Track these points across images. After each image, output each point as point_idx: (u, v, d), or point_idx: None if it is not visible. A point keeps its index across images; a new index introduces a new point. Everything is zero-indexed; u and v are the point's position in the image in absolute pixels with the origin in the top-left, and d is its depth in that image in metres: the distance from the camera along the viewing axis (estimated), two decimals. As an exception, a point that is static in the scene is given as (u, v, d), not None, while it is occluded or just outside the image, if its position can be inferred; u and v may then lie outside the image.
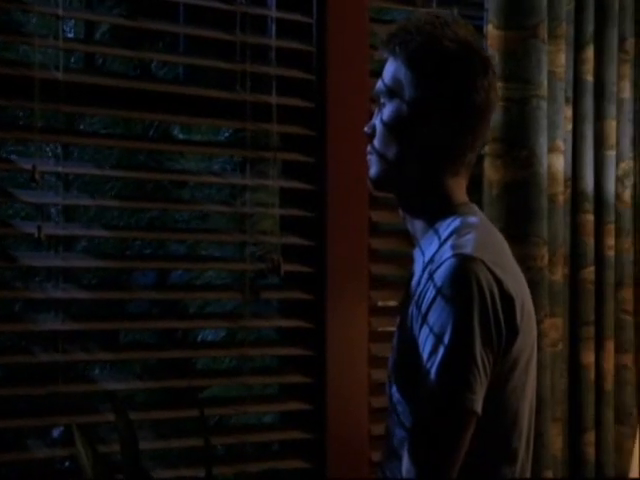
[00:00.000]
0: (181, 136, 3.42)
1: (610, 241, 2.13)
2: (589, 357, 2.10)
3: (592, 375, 2.10)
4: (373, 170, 1.51)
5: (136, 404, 1.98)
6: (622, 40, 2.18)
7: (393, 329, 2.06)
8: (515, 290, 1.39)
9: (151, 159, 3.09)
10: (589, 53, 2.12)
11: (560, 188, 2.07)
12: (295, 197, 1.94)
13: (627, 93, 2.19)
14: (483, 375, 1.33)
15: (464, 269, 1.35)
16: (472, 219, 1.45)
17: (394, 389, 1.46)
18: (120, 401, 1.44)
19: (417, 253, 1.51)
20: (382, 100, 1.50)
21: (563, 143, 2.08)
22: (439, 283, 1.35)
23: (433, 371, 1.33)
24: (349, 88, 1.97)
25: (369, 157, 1.52)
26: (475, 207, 1.51)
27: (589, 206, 2.11)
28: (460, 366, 1.33)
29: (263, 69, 1.90)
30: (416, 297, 1.41)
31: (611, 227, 2.13)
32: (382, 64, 1.95)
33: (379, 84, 1.52)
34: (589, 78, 2.12)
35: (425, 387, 1.34)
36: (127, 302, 2.96)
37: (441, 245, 1.42)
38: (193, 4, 1.87)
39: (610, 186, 2.14)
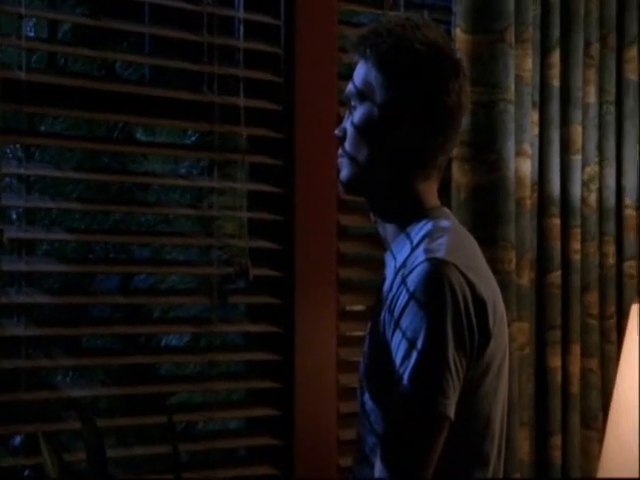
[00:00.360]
0: (144, 138, 3.37)
1: (576, 245, 2.14)
2: (556, 361, 2.10)
3: (559, 379, 2.11)
4: (344, 173, 1.50)
5: (99, 411, 1.94)
6: (587, 45, 2.19)
7: (361, 333, 2.06)
8: (487, 294, 1.38)
9: (115, 161, 3.05)
10: (555, 58, 2.13)
11: (527, 192, 2.07)
12: (263, 200, 1.92)
13: (592, 98, 2.20)
14: (456, 380, 1.33)
15: (437, 273, 1.34)
16: (444, 223, 1.44)
17: (366, 396, 1.44)
18: (86, 408, 1.41)
19: (388, 257, 1.50)
20: (353, 103, 1.49)
21: (530, 147, 2.08)
22: (412, 287, 1.34)
23: (406, 376, 1.31)
24: (318, 90, 1.95)
25: (340, 160, 1.51)
26: (447, 211, 1.50)
27: (555, 210, 2.11)
28: (433, 371, 1.32)
29: (231, 71, 1.87)
30: (388, 302, 1.40)
31: (577, 231, 2.14)
32: (351, 67, 1.94)
33: (350, 87, 1.51)
34: (555, 83, 2.13)
35: (398, 392, 1.32)
36: (90, 307, 2.91)
37: (413, 249, 1.41)
38: (158, 4, 1.84)
39: (576, 190, 2.15)
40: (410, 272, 1.36)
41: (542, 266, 2.11)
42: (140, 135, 3.35)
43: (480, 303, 1.36)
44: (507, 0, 2.03)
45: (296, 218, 1.90)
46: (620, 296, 2.23)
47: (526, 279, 2.06)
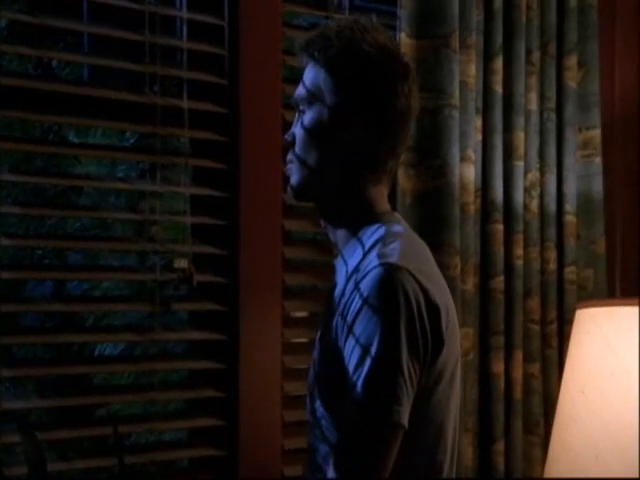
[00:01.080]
0: (76, 140, 3.28)
1: (519, 251, 2.14)
2: (499, 367, 2.11)
3: (502, 385, 2.11)
4: (294, 178, 1.47)
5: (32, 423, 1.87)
6: (528, 52, 2.20)
7: (305, 340, 2.04)
8: (440, 300, 1.37)
9: (49, 164, 2.95)
10: (498, 64, 2.13)
11: (471, 198, 2.07)
12: (207, 205, 1.87)
13: (534, 105, 2.21)
14: (410, 387, 1.31)
15: (390, 278, 1.32)
16: (397, 228, 1.43)
17: (317, 403, 1.41)
18: (25, 421, 1.34)
19: (339, 263, 1.47)
20: (302, 107, 1.47)
21: (474, 153, 2.08)
22: (365, 293, 1.32)
23: (360, 383, 1.29)
24: (262, 93, 1.92)
25: (289, 166, 1.48)
26: (398, 215, 1.49)
27: (499, 216, 2.12)
28: (387, 378, 1.30)
29: (174, 72, 1.83)
30: (341, 308, 1.37)
31: (520, 237, 2.15)
32: (295, 70, 1.92)
33: (298, 91, 1.48)
34: (498, 89, 2.14)
35: (351, 400, 1.30)
36: (21, 315, 2.82)
37: (365, 254, 1.39)
38: (97, 2, 1.79)
39: (518, 196, 2.16)
40: (363, 277, 1.34)
41: (485, 271, 2.11)
42: (72, 137, 3.26)
43: (433, 309, 1.34)
44: (451, 5, 2.03)
45: (241, 223, 1.86)
46: (561, 301, 2.24)
47: (470, 284, 2.06)
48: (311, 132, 1.44)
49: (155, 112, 1.78)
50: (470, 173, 2.07)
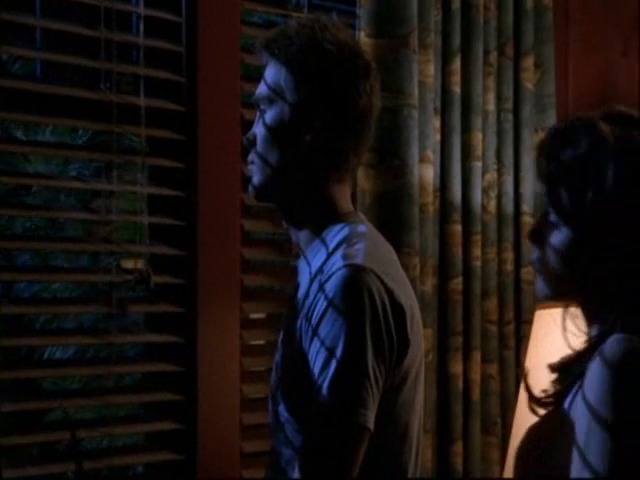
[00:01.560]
0: (24, 138, 3.21)
1: (477, 251, 2.14)
2: (457, 367, 2.10)
3: (460, 385, 2.11)
4: (256, 179, 1.44)
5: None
6: (486, 53, 2.20)
7: (262, 342, 2.01)
8: (405, 301, 1.35)
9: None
10: (456, 64, 2.13)
11: (430, 198, 2.06)
12: (164, 204, 1.83)
13: (491, 105, 2.21)
14: (375, 389, 1.29)
15: (356, 279, 1.30)
16: (361, 228, 1.41)
17: (281, 407, 1.39)
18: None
19: (302, 264, 1.45)
20: (262, 106, 1.45)
21: (432, 154, 2.08)
22: (330, 294, 1.30)
23: (325, 386, 1.27)
24: (220, 91, 1.88)
25: (251, 166, 1.45)
26: (362, 215, 1.47)
27: (457, 217, 2.11)
28: (353, 381, 1.28)
29: (130, 69, 1.79)
30: (305, 310, 1.35)
31: (478, 238, 2.15)
32: (253, 68, 1.89)
33: (259, 90, 1.46)
34: (456, 89, 2.13)
35: (317, 403, 1.28)
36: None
37: (329, 255, 1.37)
38: (51, -4, 1.75)
39: (476, 197, 2.16)
40: (328, 278, 1.32)
41: (444, 272, 2.11)
42: (20, 135, 3.18)
43: (399, 310, 1.33)
44: (410, 5, 2.02)
45: (199, 223, 1.83)
46: (518, 302, 2.25)
47: (429, 285, 2.05)
48: (272, 131, 1.42)
49: (111, 110, 1.74)
50: (429, 173, 2.06)
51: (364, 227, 1.42)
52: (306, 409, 1.30)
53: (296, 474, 1.29)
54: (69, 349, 2.97)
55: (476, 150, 2.16)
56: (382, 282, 1.31)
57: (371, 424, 1.28)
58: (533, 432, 1.24)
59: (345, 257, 1.33)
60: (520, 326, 2.22)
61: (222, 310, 1.85)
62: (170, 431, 1.81)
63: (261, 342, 1.99)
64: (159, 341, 1.81)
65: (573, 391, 1.15)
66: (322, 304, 1.30)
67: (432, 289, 2.06)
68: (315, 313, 1.31)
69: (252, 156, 1.45)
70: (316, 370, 1.29)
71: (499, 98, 2.24)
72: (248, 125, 1.89)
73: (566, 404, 1.15)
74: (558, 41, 2.41)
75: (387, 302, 1.31)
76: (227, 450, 1.85)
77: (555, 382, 1.23)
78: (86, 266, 2.44)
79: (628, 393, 1.05)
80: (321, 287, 1.32)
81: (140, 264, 1.76)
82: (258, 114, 1.46)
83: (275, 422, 1.41)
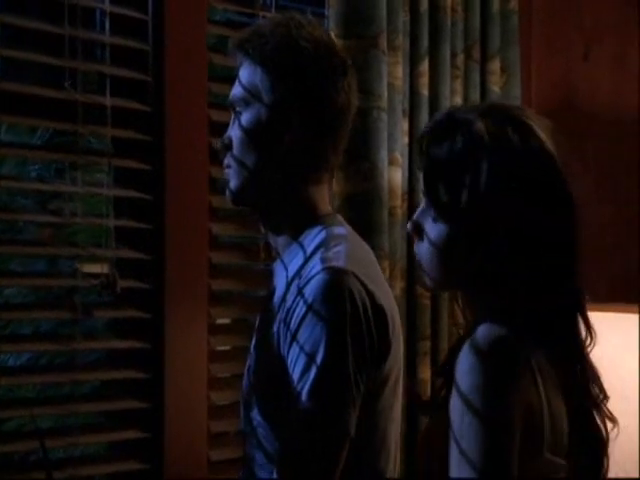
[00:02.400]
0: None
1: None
2: (426, 372, 2.08)
3: (428, 390, 2.09)
4: (233, 182, 1.41)
5: None
6: (454, 55, 2.19)
7: (227, 347, 1.97)
8: (386, 304, 1.33)
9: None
10: (424, 66, 2.11)
11: (398, 202, 2.04)
12: (129, 207, 1.78)
13: (459, 109, 2.20)
14: (356, 394, 1.26)
15: (336, 282, 1.27)
16: (339, 230, 1.38)
17: (255, 412, 1.35)
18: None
19: (278, 267, 1.42)
20: (238, 108, 1.41)
21: (401, 156, 2.06)
22: (310, 299, 1.27)
23: (305, 392, 1.24)
24: (188, 91, 1.84)
25: (227, 170, 1.42)
26: (340, 217, 1.44)
27: (425, 220, 2.09)
28: (334, 387, 1.25)
29: (96, 67, 1.74)
30: (283, 314, 1.31)
31: (446, 241, 2.13)
32: (220, 68, 1.85)
33: (234, 91, 1.42)
34: (424, 92, 2.12)
35: (297, 409, 1.25)
36: None
37: (308, 258, 1.34)
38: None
39: (445, 200, 2.14)
40: (307, 282, 1.29)
41: (412, 276, 2.09)
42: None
43: (380, 313, 1.31)
44: (379, 6, 2.00)
45: (166, 226, 1.78)
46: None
47: (398, 289, 2.03)
48: (249, 133, 1.38)
49: (75, 109, 1.68)
50: (398, 177, 2.04)
51: (343, 229, 1.39)
52: (281, 414, 1.27)
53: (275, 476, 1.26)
54: (23, 356, 2.89)
55: (444, 153, 2.14)
56: (363, 284, 1.29)
57: (352, 429, 1.26)
58: (425, 438, 1.26)
59: (324, 260, 1.30)
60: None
61: (189, 315, 1.81)
62: (136, 440, 1.76)
63: (227, 348, 1.95)
64: (125, 347, 1.75)
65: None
66: (301, 308, 1.27)
67: (401, 293, 2.04)
68: (294, 318, 1.28)
69: (228, 160, 1.41)
70: (295, 376, 1.26)
71: (466, 101, 2.23)
72: (215, 126, 1.88)
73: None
74: (522, 44, 2.41)
75: (368, 305, 1.29)
76: (194, 458, 1.81)
77: (441, 385, 1.23)
78: (43, 270, 2.36)
79: (497, 380, 1.08)
80: (300, 291, 1.29)
81: (103, 268, 1.71)
82: (233, 116, 1.42)
83: (247, 427, 1.38)
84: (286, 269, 1.38)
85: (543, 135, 1.19)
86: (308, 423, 1.25)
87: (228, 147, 1.40)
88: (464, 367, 1.10)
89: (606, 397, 1.23)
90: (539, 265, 1.17)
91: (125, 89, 1.79)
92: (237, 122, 1.40)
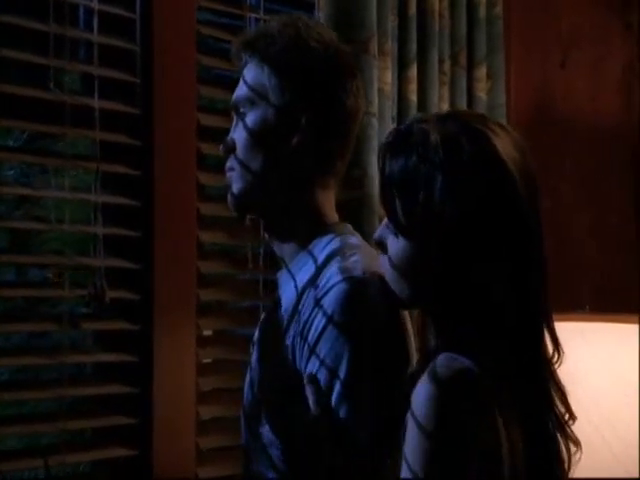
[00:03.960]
0: None
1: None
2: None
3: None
4: (236, 186, 1.34)
5: None
6: (441, 61, 2.15)
7: (209, 360, 1.90)
8: (402, 314, 1.28)
9: None
10: (413, 72, 2.07)
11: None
12: (117, 214, 1.71)
13: (446, 115, 2.16)
14: (380, 407, 1.21)
15: (357, 293, 1.21)
16: (353, 240, 1.33)
17: (265, 429, 1.29)
18: None
19: (284, 277, 1.35)
20: (242, 109, 1.34)
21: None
22: (329, 310, 1.21)
23: (336, 406, 1.17)
24: (177, 93, 1.77)
25: (230, 174, 1.35)
26: (350, 226, 1.39)
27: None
28: (357, 402, 1.19)
29: (83, 68, 1.66)
30: (298, 326, 1.25)
31: (435, 250, 2.09)
32: (209, 71, 1.79)
33: (238, 92, 1.36)
34: (413, 98, 2.08)
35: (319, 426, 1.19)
36: None
37: (320, 268, 1.28)
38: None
39: (433, 208, 2.10)
40: (325, 293, 1.22)
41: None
42: None
43: (399, 324, 1.26)
44: (369, 10, 1.95)
45: (155, 234, 1.71)
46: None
47: (387, 299, 1.98)
48: (255, 134, 1.32)
49: (63, 111, 1.60)
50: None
51: (355, 239, 1.34)
52: (296, 430, 1.22)
53: None
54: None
55: (432, 161, 2.11)
56: (383, 294, 1.24)
57: (377, 445, 1.20)
58: None
59: (343, 270, 1.24)
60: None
61: (178, 327, 1.74)
62: (123, 457, 1.68)
63: (209, 360, 1.88)
64: (114, 360, 1.67)
65: None
66: (320, 321, 1.21)
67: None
68: (312, 330, 1.22)
69: (231, 163, 1.34)
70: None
71: (453, 107, 2.19)
72: (204, 131, 1.82)
73: None
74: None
75: (389, 316, 1.23)
76: (183, 476, 1.74)
77: None
78: (9, 280, 2.26)
79: (454, 411, 1.03)
80: (317, 302, 1.23)
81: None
82: (235, 119, 1.36)
83: (255, 444, 1.31)
84: (294, 279, 1.32)
85: (500, 143, 1.12)
86: (332, 440, 1.19)
87: (231, 150, 1.34)
88: (421, 397, 1.04)
89: (572, 417, 1.18)
90: (500, 281, 1.11)
91: (112, 90, 1.71)
92: (241, 124, 1.33)
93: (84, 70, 1.68)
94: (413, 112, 2.07)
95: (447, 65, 2.18)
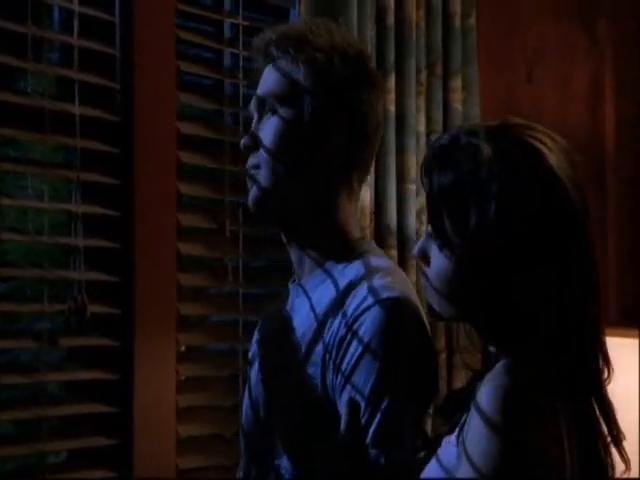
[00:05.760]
0: None
1: (412, 278, 2.06)
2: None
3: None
4: (263, 183, 1.25)
5: None
6: (418, 71, 2.13)
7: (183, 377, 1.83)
8: (430, 334, 1.25)
9: None
10: (391, 82, 2.05)
11: (367, 222, 1.96)
12: (96, 224, 1.64)
13: (422, 127, 2.14)
14: (420, 434, 1.17)
15: (393, 319, 1.16)
16: (376, 260, 1.26)
17: (283, 460, 1.22)
18: None
19: (295, 291, 1.29)
20: (271, 106, 1.27)
21: (369, 176, 1.98)
22: (366, 338, 1.15)
23: (370, 440, 1.12)
24: (158, 99, 1.71)
25: (254, 171, 1.27)
26: (373, 244, 1.35)
27: (393, 241, 2.02)
28: (400, 433, 1.14)
29: (63, 71, 1.59)
30: (329, 355, 1.18)
31: (413, 263, 2.06)
32: (188, 76, 1.74)
33: (267, 87, 1.28)
34: (391, 108, 2.05)
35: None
36: None
37: (343, 295, 1.21)
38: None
39: (411, 221, 2.07)
40: (357, 318, 1.17)
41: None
42: None
43: (432, 346, 1.24)
44: (349, 17, 1.92)
45: (135, 246, 1.64)
46: (449, 331, 2.18)
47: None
48: (289, 133, 1.25)
49: (43, 117, 1.53)
50: (366, 196, 1.96)
51: (377, 259, 1.27)
52: (319, 462, 1.15)
53: None
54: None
55: (410, 172, 2.08)
56: (418, 318, 1.20)
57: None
58: None
59: (375, 292, 1.18)
60: (452, 356, 2.15)
61: (158, 342, 1.67)
62: (102, 479, 1.61)
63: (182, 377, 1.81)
64: (94, 378, 1.60)
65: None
66: (356, 348, 1.16)
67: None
68: (347, 358, 1.16)
69: (256, 159, 1.26)
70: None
71: (429, 119, 2.17)
72: (183, 139, 1.76)
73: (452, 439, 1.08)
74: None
75: (424, 339, 1.21)
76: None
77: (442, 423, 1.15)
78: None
79: (520, 420, 1.00)
80: (350, 327, 1.17)
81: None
82: (257, 116, 1.29)
83: (266, 476, 1.25)
84: (308, 298, 1.26)
85: (553, 157, 1.10)
86: (373, 472, 1.14)
87: (255, 146, 1.27)
88: (485, 400, 1.00)
89: (622, 436, 1.17)
90: (554, 299, 1.09)
91: (91, 96, 1.64)
92: (272, 120, 1.26)
93: (63, 74, 1.60)
94: (392, 122, 2.04)
95: (424, 75, 2.15)
